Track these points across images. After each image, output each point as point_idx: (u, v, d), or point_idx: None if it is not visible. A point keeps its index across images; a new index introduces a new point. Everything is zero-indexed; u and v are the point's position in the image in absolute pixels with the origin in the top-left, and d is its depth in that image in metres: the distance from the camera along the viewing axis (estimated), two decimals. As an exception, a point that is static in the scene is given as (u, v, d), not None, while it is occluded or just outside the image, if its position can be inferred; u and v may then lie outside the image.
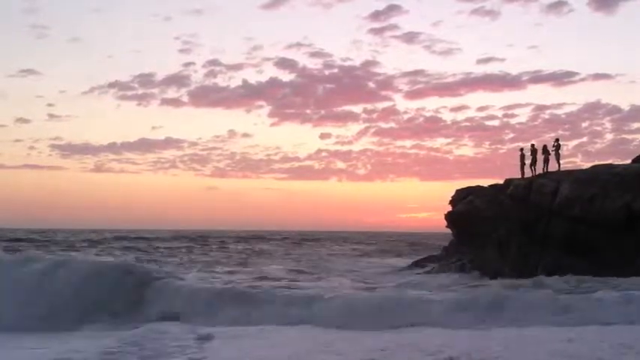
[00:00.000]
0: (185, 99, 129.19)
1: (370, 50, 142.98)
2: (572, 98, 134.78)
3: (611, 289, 14.83)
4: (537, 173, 24.78)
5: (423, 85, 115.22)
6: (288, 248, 52.83)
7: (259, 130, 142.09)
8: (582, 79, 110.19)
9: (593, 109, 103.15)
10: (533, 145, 25.33)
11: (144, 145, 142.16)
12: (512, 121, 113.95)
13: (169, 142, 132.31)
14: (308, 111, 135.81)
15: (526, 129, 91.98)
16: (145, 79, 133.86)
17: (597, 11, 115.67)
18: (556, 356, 8.83)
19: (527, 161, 25.17)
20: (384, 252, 50.43)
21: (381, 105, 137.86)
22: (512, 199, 24.25)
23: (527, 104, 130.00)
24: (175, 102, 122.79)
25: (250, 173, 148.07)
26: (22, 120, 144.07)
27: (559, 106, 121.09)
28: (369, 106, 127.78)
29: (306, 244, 61.24)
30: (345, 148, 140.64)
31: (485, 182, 28.25)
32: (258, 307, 12.78)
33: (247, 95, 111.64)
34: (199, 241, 58.63)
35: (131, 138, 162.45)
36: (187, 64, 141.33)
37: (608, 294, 13.90)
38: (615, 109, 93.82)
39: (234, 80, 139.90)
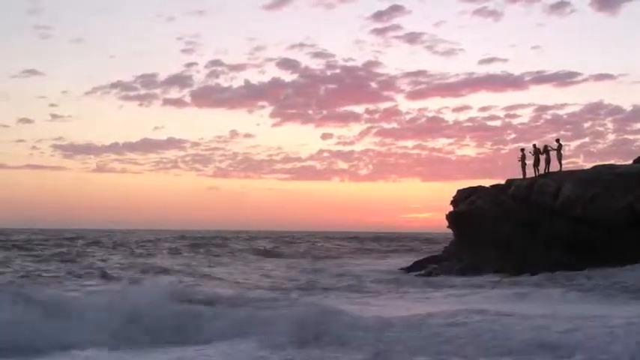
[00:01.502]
0: (187, 99, 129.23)
1: (372, 50, 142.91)
2: (574, 99, 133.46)
3: None
4: (540, 174, 24.76)
5: (425, 85, 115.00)
6: (309, 251, 51.13)
7: (261, 130, 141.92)
8: (584, 80, 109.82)
9: (595, 110, 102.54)
10: (535, 146, 25.31)
11: (146, 146, 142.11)
12: (515, 121, 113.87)
13: (171, 143, 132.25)
14: (310, 111, 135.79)
15: (528, 129, 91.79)
16: (148, 80, 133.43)
17: (600, 11, 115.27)
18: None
19: (529, 161, 25.16)
20: (386, 252, 50.43)
21: (383, 105, 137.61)
22: (514, 199, 24.22)
23: (529, 104, 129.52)
24: (178, 102, 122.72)
25: (252, 173, 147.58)
26: (24, 120, 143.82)
27: (561, 106, 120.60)
28: (371, 107, 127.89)
29: (317, 246, 60.44)
30: (347, 148, 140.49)
31: (487, 182, 28.27)
32: None
33: (249, 95, 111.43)
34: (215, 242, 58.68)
35: (133, 138, 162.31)
36: (190, 65, 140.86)
37: None
38: (617, 110, 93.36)
39: (237, 81, 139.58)
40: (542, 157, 24.76)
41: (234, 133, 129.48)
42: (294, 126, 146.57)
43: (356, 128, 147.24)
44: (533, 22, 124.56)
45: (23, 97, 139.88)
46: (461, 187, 29.20)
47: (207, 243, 56.34)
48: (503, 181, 26.48)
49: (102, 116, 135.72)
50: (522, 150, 25.69)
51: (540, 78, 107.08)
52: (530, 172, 25.14)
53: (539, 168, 24.87)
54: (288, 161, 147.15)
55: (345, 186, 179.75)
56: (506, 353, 8.53)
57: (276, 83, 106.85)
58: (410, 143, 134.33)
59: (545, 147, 24.99)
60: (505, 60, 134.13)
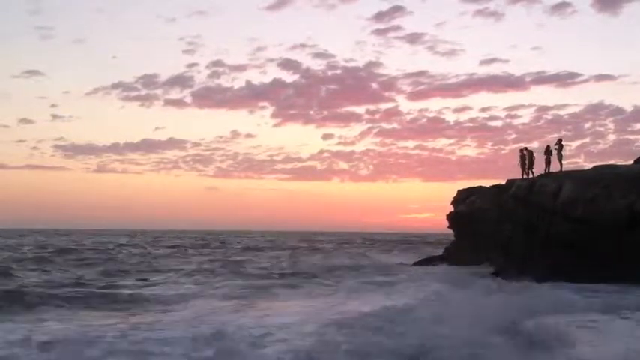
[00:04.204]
0: (188, 100, 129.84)
1: (374, 51, 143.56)
2: (575, 99, 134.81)
3: None
4: (537, 175, 24.75)
5: (426, 86, 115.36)
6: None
7: (262, 130, 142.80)
8: (585, 80, 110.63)
9: (595, 110, 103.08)
10: (527, 149, 25.30)
11: (147, 146, 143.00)
12: (515, 121, 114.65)
13: (172, 143, 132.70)
14: (311, 112, 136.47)
15: (529, 130, 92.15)
16: (149, 80, 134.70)
17: (600, 12, 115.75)
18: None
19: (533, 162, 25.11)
20: (386, 253, 50.36)
21: (384, 106, 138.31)
22: (515, 199, 24.21)
23: (530, 105, 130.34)
24: (179, 103, 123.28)
25: (253, 174, 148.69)
26: (25, 120, 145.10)
27: (562, 106, 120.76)
28: (372, 107, 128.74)
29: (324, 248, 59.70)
30: (347, 148, 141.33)
31: (488, 183, 28.36)
32: None
33: (250, 96, 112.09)
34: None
35: (134, 139, 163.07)
36: (191, 65, 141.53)
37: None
38: (618, 110, 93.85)
39: (238, 81, 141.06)
40: (542, 158, 24.79)
41: (235, 134, 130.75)
42: (295, 126, 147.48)
43: (357, 129, 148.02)
44: (534, 23, 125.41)
45: (24, 97, 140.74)
46: (461, 188, 29.29)
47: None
48: (503, 182, 26.48)
49: (103, 117, 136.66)
50: (521, 150, 25.69)
51: (541, 78, 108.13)
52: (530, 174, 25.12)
53: (534, 171, 24.88)
54: (288, 161, 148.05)
55: (345, 186, 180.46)
56: None
57: (277, 84, 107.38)
58: (410, 144, 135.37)
59: (547, 147, 24.99)
60: (506, 61, 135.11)
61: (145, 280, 22.53)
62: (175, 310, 14.37)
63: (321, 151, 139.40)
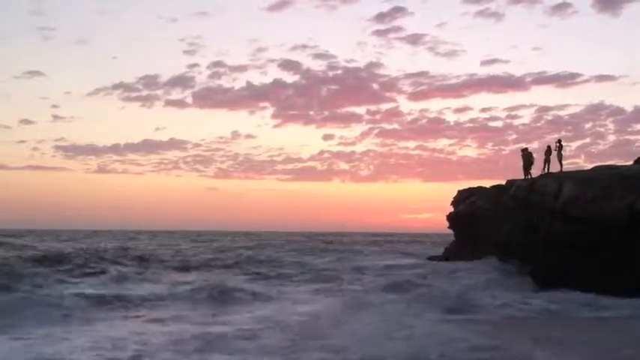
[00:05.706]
0: (189, 100, 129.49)
1: (374, 52, 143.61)
2: (575, 99, 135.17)
3: None
4: (538, 175, 24.74)
5: (427, 86, 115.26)
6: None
7: (263, 131, 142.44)
8: (586, 81, 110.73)
9: (596, 111, 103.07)
10: (527, 149, 25.30)
11: (147, 146, 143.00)
12: (516, 122, 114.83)
13: (173, 143, 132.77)
14: (311, 112, 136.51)
15: (529, 130, 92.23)
16: (150, 81, 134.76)
17: (601, 13, 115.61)
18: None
19: (535, 162, 25.12)
20: (386, 253, 50.30)
21: (385, 106, 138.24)
22: (515, 199, 24.19)
23: (530, 105, 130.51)
24: (179, 103, 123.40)
25: (253, 174, 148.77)
26: (26, 121, 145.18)
27: (562, 107, 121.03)
28: (373, 108, 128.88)
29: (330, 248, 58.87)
30: (348, 149, 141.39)
31: (489, 183, 28.34)
32: None
33: (251, 96, 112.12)
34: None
35: (135, 139, 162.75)
36: (192, 66, 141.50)
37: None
38: (618, 111, 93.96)
39: (239, 82, 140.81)
40: (542, 158, 24.78)
41: (235, 134, 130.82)
42: (296, 127, 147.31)
43: (357, 129, 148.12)
44: (534, 24, 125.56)
45: (25, 97, 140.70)
46: (462, 188, 29.26)
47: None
48: (503, 182, 26.46)
49: (103, 117, 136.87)
50: (523, 150, 25.67)
51: (541, 79, 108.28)
52: (534, 173, 25.10)
53: (533, 172, 24.86)
54: (289, 162, 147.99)
55: (346, 187, 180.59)
56: None
57: (277, 84, 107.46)
58: (411, 144, 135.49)
59: (548, 147, 24.98)
60: (506, 61, 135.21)
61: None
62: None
63: (322, 152, 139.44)
